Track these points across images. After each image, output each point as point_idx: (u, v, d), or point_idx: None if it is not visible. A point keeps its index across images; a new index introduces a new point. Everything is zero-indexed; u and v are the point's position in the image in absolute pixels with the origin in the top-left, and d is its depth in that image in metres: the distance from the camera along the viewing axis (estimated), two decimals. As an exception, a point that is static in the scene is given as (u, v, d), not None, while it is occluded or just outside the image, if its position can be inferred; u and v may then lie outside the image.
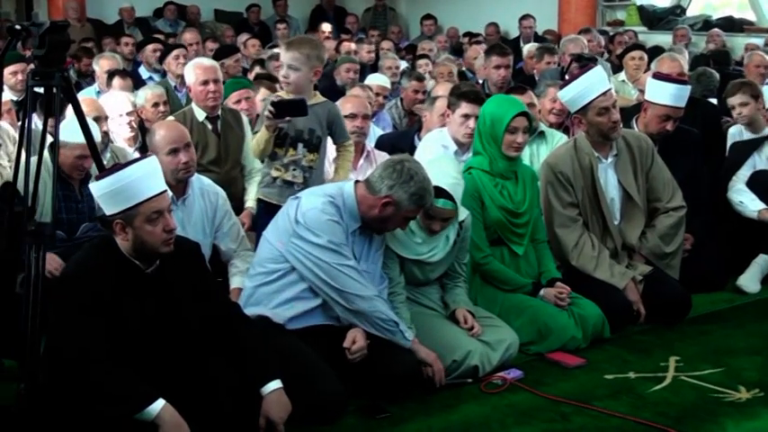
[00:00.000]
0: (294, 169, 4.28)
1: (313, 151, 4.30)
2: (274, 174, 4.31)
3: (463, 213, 4.04)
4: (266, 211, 4.29)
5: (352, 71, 7.71)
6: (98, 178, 3.13)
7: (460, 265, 4.12)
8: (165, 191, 3.16)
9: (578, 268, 4.51)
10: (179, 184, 4.03)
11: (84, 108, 4.79)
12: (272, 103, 4.13)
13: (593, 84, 4.54)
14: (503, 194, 4.30)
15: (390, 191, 3.57)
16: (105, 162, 4.70)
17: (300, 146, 4.27)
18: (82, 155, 4.08)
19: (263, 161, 4.43)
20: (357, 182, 3.73)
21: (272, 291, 3.67)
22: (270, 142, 4.21)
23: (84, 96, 5.72)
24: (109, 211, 3.08)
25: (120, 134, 5.42)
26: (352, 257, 3.62)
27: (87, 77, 8.48)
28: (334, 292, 3.59)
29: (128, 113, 5.47)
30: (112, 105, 5.46)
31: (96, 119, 4.84)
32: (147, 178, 3.09)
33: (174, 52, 7.55)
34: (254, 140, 4.28)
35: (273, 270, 3.68)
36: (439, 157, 4.24)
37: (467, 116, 4.94)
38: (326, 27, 11.85)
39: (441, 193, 3.78)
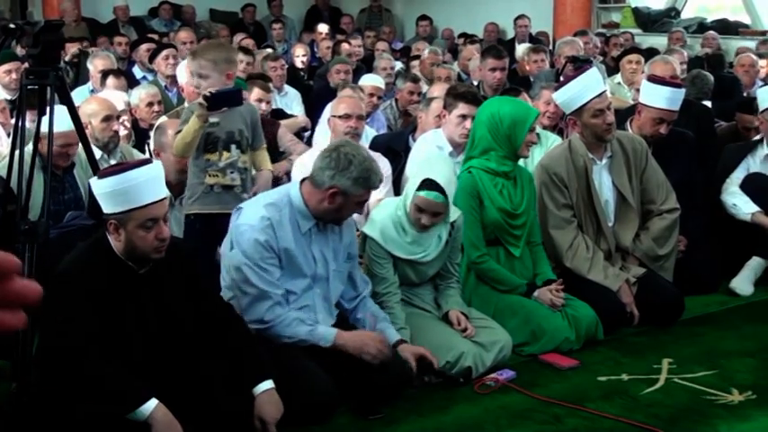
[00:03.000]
0: (232, 172, 4.11)
1: (245, 152, 4.17)
2: (210, 181, 4.10)
3: (455, 213, 4.03)
4: (205, 225, 4.12)
5: (343, 72, 7.71)
6: (100, 176, 3.10)
7: (453, 266, 4.12)
8: (165, 198, 3.13)
9: (572, 270, 4.51)
10: (178, 185, 4.02)
11: (95, 107, 4.84)
12: (208, 94, 3.95)
13: (589, 85, 4.55)
14: (502, 195, 4.30)
15: (333, 180, 3.49)
16: (115, 161, 4.70)
17: (233, 147, 4.12)
18: (66, 143, 4.05)
19: (185, 159, 4.19)
20: (303, 180, 3.66)
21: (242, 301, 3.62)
22: (198, 134, 3.98)
23: (95, 96, 5.73)
24: (105, 209, 3.07)
25: None
26: (264, 282, 3.50)
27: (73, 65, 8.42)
28: (239, 308, 3.55)
29: (120, 114, 5.46)
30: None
31: (108, 117, 4.83)
32: (149, 184, 3.06)
33: (164, 52, 7.50)
34: (180, 135, 4.00)
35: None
36: (432, 157, 4.24)
37: (464, 117, 4.94)
38: (323, 28, 11.85)
39: (432, 185, 3.78)
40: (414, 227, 3.91)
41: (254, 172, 4.36)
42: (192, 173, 4.13)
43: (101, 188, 3.07)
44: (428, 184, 3.79)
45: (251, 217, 3.54)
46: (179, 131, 4.04)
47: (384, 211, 4.00)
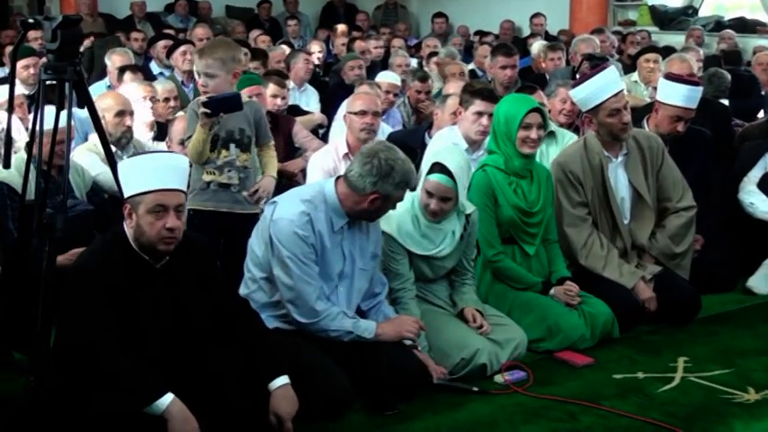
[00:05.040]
0: (229, 170, 4.15)
1: (245, 151, 4.18)
2: (207, 178, 4.15)
3: (470, 208, 4.03)
4: (202, 221, 4.15)
5: (356, 68, 7.70)
6: (128, 158, 3.16)
7: (468, 261, 4.12)
8: (181, 191, 3.13)
9: (587, 267, 4.50)
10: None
11: (110, 102, 4.87)
12: (206, 101, 3.98)
13: (606, 84, 4.53)
14: (517, 193, 4.29)
15: (375, 187, 3.50)
16: (127, 156, 4.73)
17: (233, 146, 4.15)
18: (58, 140, 4.05)
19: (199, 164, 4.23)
20: (338, 178, 3.64)
21: (261, 296, 3.64)
22: (207, 142, 4.06)
23: (111, 91, 5.77)
24: (125, 192, 3.11)
25: (142, 118, 5.45)
26: (309, 276, 3.51)
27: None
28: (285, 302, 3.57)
29: (151, 98, 5.58)
30: (136, 89, 5.58)
31: (121, 113, 4.87)
32: (168, 171, 3.09)
33: (182, 48, 7.57)
34: (191, 144, 4.11)
35: (260, 276, 3.63)
36: (447, 147, 4.21)
37: (480, 113, 4.94)
38: (342, 28, 11.81)
39: (442, 169, 3.79)
40: (428, 225, 3.91)
41: (258, 170, 4.38)
42: (194, 168, 4.16)
43: (124, 167, 3.14)
44: (437, 168, 3.80)
45: (289, 211, 3.54)
46: (189, 137, 4.12)
47: (400, 207, 3.99)
